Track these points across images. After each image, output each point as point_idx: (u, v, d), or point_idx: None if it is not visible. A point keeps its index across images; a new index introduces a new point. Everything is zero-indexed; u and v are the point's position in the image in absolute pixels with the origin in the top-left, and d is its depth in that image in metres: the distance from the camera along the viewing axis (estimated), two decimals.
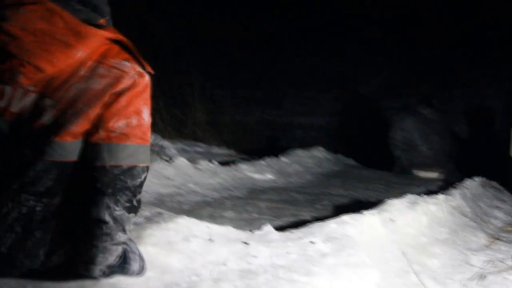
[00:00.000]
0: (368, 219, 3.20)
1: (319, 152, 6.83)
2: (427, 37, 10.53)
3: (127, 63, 1.77)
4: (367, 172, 6.75)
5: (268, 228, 2.76)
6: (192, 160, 4.91)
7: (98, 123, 1.68)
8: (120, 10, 2.19)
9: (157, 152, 5.32)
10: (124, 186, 1.73)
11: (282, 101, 10.84)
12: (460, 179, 5.32)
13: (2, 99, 1.68)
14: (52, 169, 1.69)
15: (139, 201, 1.82)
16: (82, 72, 1.71)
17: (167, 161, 4.70)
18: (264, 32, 11.07)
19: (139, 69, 1.79)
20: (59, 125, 1.66)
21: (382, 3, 10.88)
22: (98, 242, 1.74)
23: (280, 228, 2.98)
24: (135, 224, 2.36)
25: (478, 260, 3.46)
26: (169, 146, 5.73)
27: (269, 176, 5.32)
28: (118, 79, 1.72)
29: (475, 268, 3.33)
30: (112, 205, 1.72)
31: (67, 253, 1.77)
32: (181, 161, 4.69)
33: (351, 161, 7.40)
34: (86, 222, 1.72)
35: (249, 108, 9.84)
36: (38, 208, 1.71)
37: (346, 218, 3.10)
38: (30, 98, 1.68)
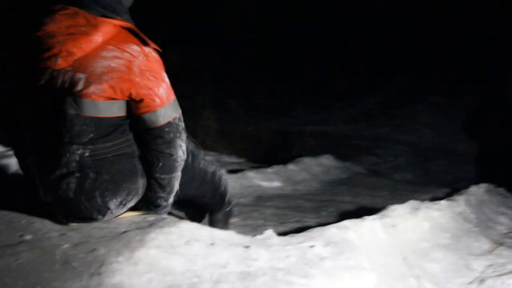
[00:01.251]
0: (369, 224, 3.26)
1: (328, 160, 6.88)
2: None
3: (135, 47, 2.31)
4: (374, 180, 6.79)
5: (269, 233, 2.83)
6: None
7: (140, 103, 2.33)
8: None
9: None
10: (170, 132, 2.43)
11: (293, 110, 10.90)
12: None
13: (50, 81, 2.25)
14: (91, 123, 2.27)
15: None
16: (104, 54, 2.24)
17: None
18: (276, 40, 11.16)
19: (147, 50, 2.34)
20: (90, 90, 2.22)
21: None
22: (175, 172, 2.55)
23: (282, 234, 3.05)
24: (140, 228, 2.46)
25: (479, 265, 3.51)
26: None
27: (276, 184, 5.39)
28: (128, 61, 2.27)
29: (475, 272, 3.39)
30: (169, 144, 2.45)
31: (126, 198, 2.49)
32: None
33: (359, 169, 7.44)
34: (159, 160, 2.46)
35: (260, 117, 9.91)
36: (86, 153, 2.30)
37: (347, 223, 3.16)
38: (68, 75, 2.23)
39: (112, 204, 2.45)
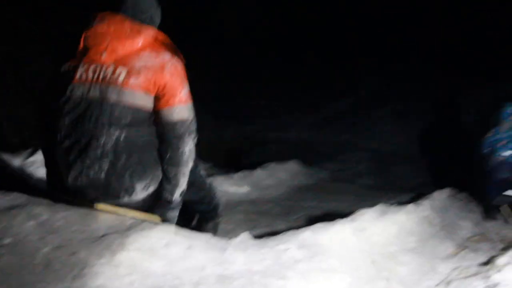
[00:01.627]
0: (339, 228, 3.34)
1: (294, 166, 6.95)
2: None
3: (168, 54, 2.80)
4: (339, 185, 6.90)
5: (245, 236, 2.89)
6: None
7: (162, 98, 2.74)
8: None
9: None
10: (181, 128, 2.77)
11: (257, 116, 10.95)
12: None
13: (95, 72, 2.68)
14: (129, 109, 2.66)
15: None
16: (142, 54, 2.72)
17: None
18: (241, 45, 11.19)
19: (176, 58, 2.83)
20: (130, 81, 2.66)
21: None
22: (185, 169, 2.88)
23: (255, 237, 3.10)
24: (119, 232, 2.49)
25: (445, 268, 3.62)
26: None
27: (244, 189, 5.44)
28: (162, 63, 2.74)
29: (442, 275, 3.49)
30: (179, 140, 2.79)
31: (149, 183, 2.79)
32: None
33: (324, 175, 7.53)
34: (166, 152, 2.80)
35: (225, 123, 9.94)
36: (122, 136, 2.65)
37: (318, 226, 3.24)
38: (111, 68, 2.67)
39: (139, 186, 2.76)
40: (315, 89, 12.16)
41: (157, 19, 2.99)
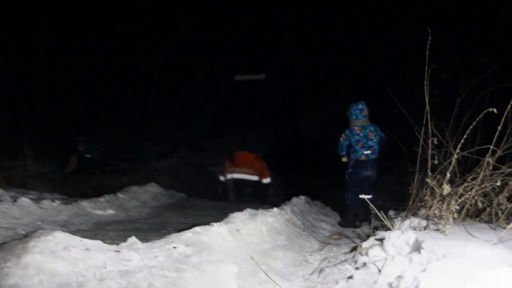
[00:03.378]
0: (217, 229, 3.55)
1: (153, 188, 7.13)
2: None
3: (260, 160, 9.17)
4: (200, 202, 7.15)
5: (133, 240, 3.04)
6: (35, 200, 4.96)
7: (261, 176, 9.08)
8: None
9: None
10: (268, 186, 9.30)
11: (107, 146, 10.93)
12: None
13: (244, 169, 9.11)
14: (252, 182, 9.16)
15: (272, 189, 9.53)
16: (255, 162, 9.06)
17: (11, 202, 4.72)
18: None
19: (261, 160, 9.22)
20: (254, 172, 9.04)
21: None
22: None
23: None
24: (17, 239, 2.54)
25: (315, 259, 3.95)
26: (3, 194, 5.68)
27: (110, 212, 5.48)
28: (260, 164, 9.10)
29: (314, 265, 3.81)
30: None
31: (259, 199, 9.19)
32: (25, 201, 4.73)
33: (182, 195, 7.80)
34: (264, 193, 9.33)
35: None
36: (250, 190, 9.29)
37: (198, 229, 3.44)
38: (247, 169, 9.07)
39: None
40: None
41: (256, 149, 8.31)
